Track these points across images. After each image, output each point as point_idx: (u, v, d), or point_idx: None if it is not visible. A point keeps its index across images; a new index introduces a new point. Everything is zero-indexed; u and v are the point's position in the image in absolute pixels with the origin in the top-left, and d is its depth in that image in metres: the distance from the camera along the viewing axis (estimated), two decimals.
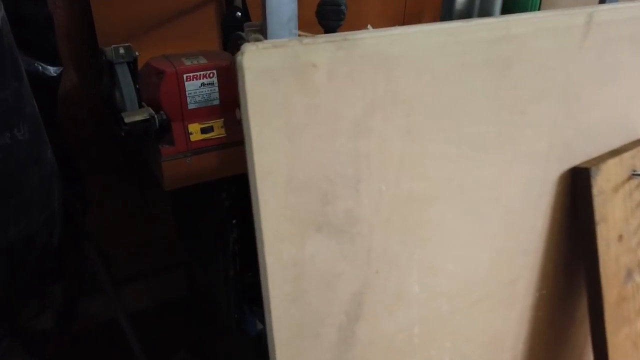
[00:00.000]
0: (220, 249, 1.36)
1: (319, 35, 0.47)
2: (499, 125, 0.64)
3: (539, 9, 1.03)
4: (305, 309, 0.55)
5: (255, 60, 0.44)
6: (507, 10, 0.92)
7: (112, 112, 1.09)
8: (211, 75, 1.10)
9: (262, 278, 0.51)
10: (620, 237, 0.81)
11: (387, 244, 0.59)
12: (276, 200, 0.49)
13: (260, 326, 1.48)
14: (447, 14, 0.90)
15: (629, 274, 0.84)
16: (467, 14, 0.89)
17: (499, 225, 0.70)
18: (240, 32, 1.16)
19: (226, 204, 1.28)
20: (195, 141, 1.12)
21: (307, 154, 0.49)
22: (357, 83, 0.50)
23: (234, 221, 1.30)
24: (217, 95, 1.12)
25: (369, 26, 0.72)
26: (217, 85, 1.11)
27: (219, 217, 1.31)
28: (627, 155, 0.82)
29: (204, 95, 1.11)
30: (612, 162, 0.79)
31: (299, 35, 0.46)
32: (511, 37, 0.60)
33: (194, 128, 1.13)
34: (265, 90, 0.45)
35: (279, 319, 0.53)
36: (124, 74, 1.02)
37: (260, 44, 0.44)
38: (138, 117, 1.02)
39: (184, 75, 1.07)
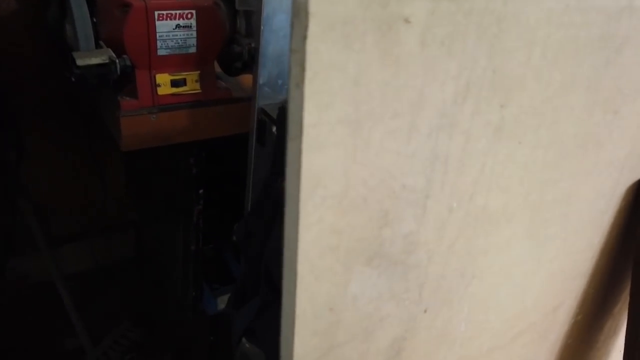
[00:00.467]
0: (181, 220, 1.20)
1: None
2: (590, 125, 0.49)
3: None
4: None
5: (327, 2, 0.26)
6: None
7: (61, 49, 0.86)
8: (189, 15, 0.90)
9: (283, 330, 0.35)
10: None
11: (443, 276, 0.44)
12: (323, 222, 0.32)
13: (220, 306, 1.34)
14: None
15: None
16: None
17: (560, 247, 0.56)
18: None
19: (193, 172, 1.10)
20: (164, 95, 0.93)
21: (374, 157, 0.32)
22: (455, 54, 0.33)
23: (200, 191, 1.13)
24: (194, 41, 0.92)
25: None
26: (195, 29, 0.91)
27: (183, 184, 1.14)
28: None
29: (179, 40, 0.91)
30: None
31: None
32: (632, 10, 0.44)
33: (163, 79, 0.93)
34: (333, 55, 0.27)
35: None
36: (78, 3, 0.79)
37: None
38: (94, 60, 0.80)
39: (156, 13, 0.86)
